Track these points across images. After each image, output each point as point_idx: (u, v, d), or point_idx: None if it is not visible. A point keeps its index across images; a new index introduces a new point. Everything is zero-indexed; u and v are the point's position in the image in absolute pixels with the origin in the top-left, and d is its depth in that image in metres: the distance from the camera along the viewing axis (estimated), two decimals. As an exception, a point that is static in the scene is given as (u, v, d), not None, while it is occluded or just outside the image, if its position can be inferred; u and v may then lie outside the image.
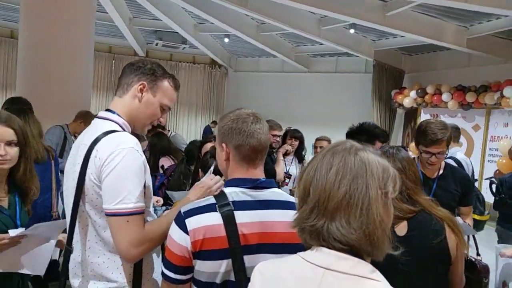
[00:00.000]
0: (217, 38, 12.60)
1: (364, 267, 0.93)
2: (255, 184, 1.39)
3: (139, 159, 1.51)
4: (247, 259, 1.31)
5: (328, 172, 0.98)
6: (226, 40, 11.76)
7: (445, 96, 8.73)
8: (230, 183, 1.42)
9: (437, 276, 1.77)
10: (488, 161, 8.23)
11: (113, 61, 13.90)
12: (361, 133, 2.76)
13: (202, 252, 1.30)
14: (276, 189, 1.44)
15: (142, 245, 1.46)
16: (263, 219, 1.35)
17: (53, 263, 2.53)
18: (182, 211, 1.35)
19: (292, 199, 1.44)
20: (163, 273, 1.36)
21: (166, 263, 1.34)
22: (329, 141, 4.85)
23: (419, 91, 9.38)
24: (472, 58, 9.40)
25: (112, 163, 1.45)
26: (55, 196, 3.20)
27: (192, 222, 1.31)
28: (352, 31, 9.32)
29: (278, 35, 11.36)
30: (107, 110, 1.67)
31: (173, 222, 1.36)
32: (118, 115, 1.63)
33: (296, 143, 5.13)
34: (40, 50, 5.17)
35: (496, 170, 7.37)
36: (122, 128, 1.61)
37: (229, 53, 14.16)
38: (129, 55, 13.96)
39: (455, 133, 3.97)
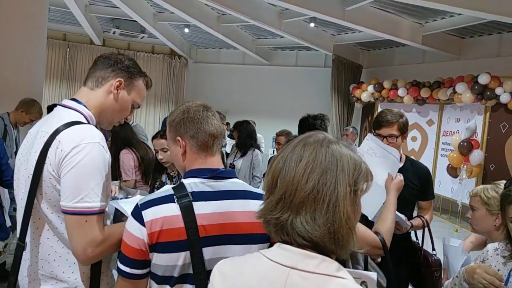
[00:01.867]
0: (177, 28, 12.37)
1: (329, 265, 0.90)
2: (214, 174, 1.36)
3: (104, 156, 1.42)
4: (207, 251, 1.27)
5: (297, 164, 0.94)
6: (186, 30, 11.58)
7: (401, 91, 8.96)
8: (188, 174, 1.38)
9: None
10: (441, 155, 8.53)
11: (68, 49, 13.42)
12: (304, 124, 2.85)
13: (159, 244, 1.25)
14: (236, 179, 1.41)
15: (99, 247, 1.37)
16: (223, 209, 1.31)
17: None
18: (139, 204, 1.30)
19: (252, 189, 1.42)
20: (118, 269, 1.29)
21: (122, 257, 1.28)
22: (287, 135, 4.80)
23: (376, 85, 9.58)
24: (427, 55, 9.70)
25: (75, 157, 1.36)
26: None
27: (148, 214, 1.26)
28: (312, 25, 9.39)
29: (239, 27, 11.29)
30: (73, 99, 1.56)
31: (130, 215, 1.30)
32: (84, 106, 1.53)
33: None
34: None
35: (449, 164, 7.65)
36: (87, 121, 1.51)
37: (189, 43, 13.96)
38: (84, 43, 13.53)
39: None
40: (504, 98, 7.02)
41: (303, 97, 11.77)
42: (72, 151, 1.37)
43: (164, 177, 3.13)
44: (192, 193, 1.30)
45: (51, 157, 1.39)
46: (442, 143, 8.56)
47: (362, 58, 11.49)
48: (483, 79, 7.12)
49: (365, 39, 9.90)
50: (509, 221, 1.64)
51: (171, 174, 3.08)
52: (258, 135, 5.52)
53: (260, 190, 1.42)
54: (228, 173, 1.40)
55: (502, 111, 7.28)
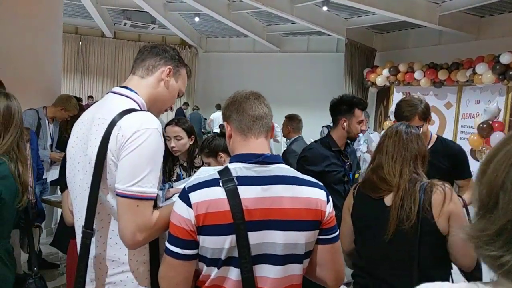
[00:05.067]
0: (187, 17, 12.29)
1: None
2: (258, 160, 1.36)
3: (161, 143, 1.45)
4: (252, 235, 1.29)
5: None
6: (197, 19, 11.48)
7: (417, 74, 8.74)
8: (233, 159, 1.40)
9: (422, 245, 1.75)
10: (460, 138, 8.31)
11: (80, 42, 13.48)
12: (341, 104, 2.86)
13: (205, 226, 1.28)
14: (281, 165, 1.40)
15: (147, 231, 1.39)
16: (268, 194, 1.32)
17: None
18: (186, 187, 1.35)
19: (299, 174, 1.41)
20: (168, 250, 1.31)
21: (172, 239, 1.31)
22: (289, 119, 4.91)
23: (392, 69, 9.36)
24: (444, 35, 9.43)
25: (135, 142, 1.38)
26: None
27: (195, 196, 1.30)
28: (324, 8, 9.19)
29: (249, 14, 11.14)
30: (124, 87, 1.60)
31: (178, 198, 1.35)
32: (136, 94, 1.57)
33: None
34: (5, 32, 4.83)
35: (471, 148, 7.44)
36: (140, 108, 1.54)
37: (199, 33, 13.88)
38: (96, 36, 13.56)
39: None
40: (526, 78, 6.78)
41: (315, 84, 11.60)
42: (132, 136, 1.39)
43: (178, 169, 3.04)
44: (237, 177, 1.32)
45: (112, 144, 1.42)
46: (461, 126, 8.34)
47: (375, 42, 11.24)
48: (505, 59, 6.87)
49: (379, 21, 9.65)
50: None
51: (184, 164, 2.99)
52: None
53: (307, 177, 1.42)
54: (273, 158, 1.39)
55: (525, 91, 7.05)
